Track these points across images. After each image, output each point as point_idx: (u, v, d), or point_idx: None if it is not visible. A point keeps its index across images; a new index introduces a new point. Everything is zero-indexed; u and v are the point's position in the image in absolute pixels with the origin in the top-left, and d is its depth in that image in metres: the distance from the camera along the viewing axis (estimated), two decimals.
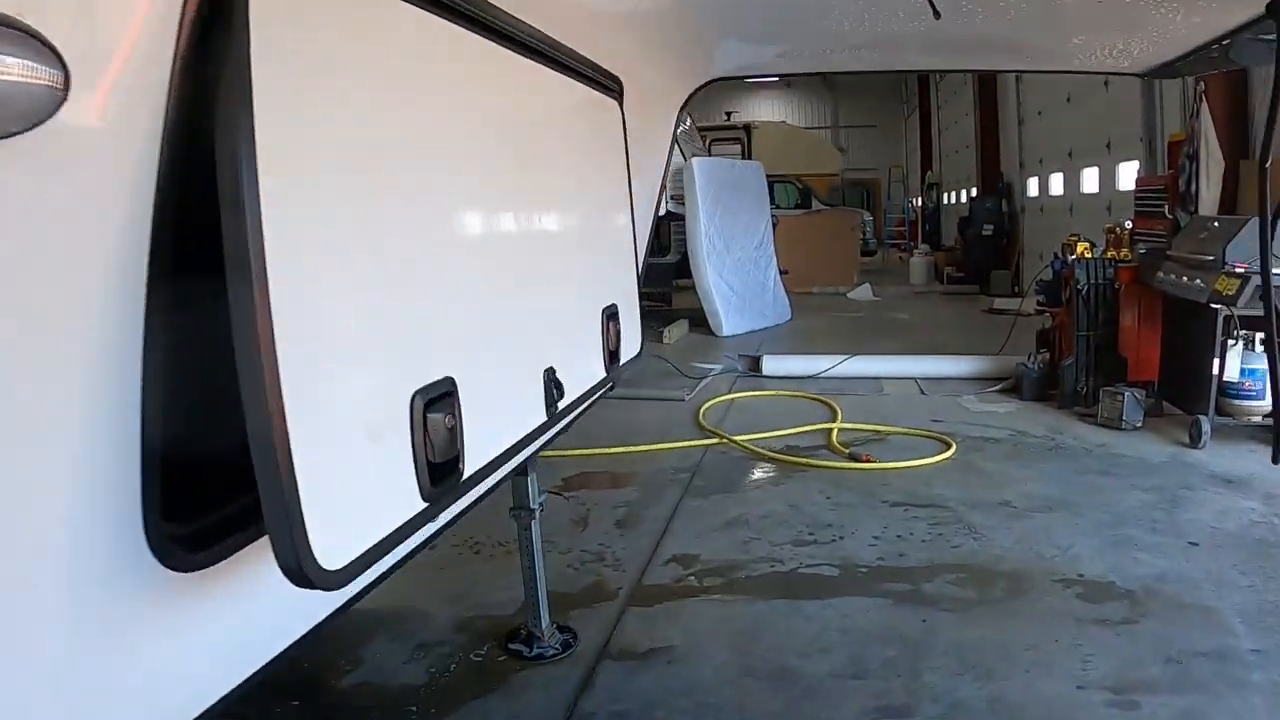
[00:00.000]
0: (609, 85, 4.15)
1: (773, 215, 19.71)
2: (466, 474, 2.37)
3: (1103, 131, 16.97)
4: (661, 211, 17.96)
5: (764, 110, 44.21)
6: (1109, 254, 10.33)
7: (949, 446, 8.62)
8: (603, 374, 3.93)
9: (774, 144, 30.25)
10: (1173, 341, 9.48)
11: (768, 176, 20.29)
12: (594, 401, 4.02)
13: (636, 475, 8.37)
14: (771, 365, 12.76)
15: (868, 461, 8.26)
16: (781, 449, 8.99)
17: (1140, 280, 9.81)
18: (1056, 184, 20.47)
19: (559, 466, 8.49)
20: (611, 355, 4.01)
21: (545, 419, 3.09)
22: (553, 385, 3.08)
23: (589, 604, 5.76)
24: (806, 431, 9.58)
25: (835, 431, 9.40)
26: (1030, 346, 11.31)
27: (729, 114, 34.52)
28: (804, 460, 8.49)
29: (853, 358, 12.48)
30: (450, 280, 2.45)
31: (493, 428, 2.64)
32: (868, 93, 47.03)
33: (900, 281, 25.93)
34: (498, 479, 3.10)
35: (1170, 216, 11.63)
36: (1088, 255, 10.23)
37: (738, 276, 17.58)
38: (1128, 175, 15.88)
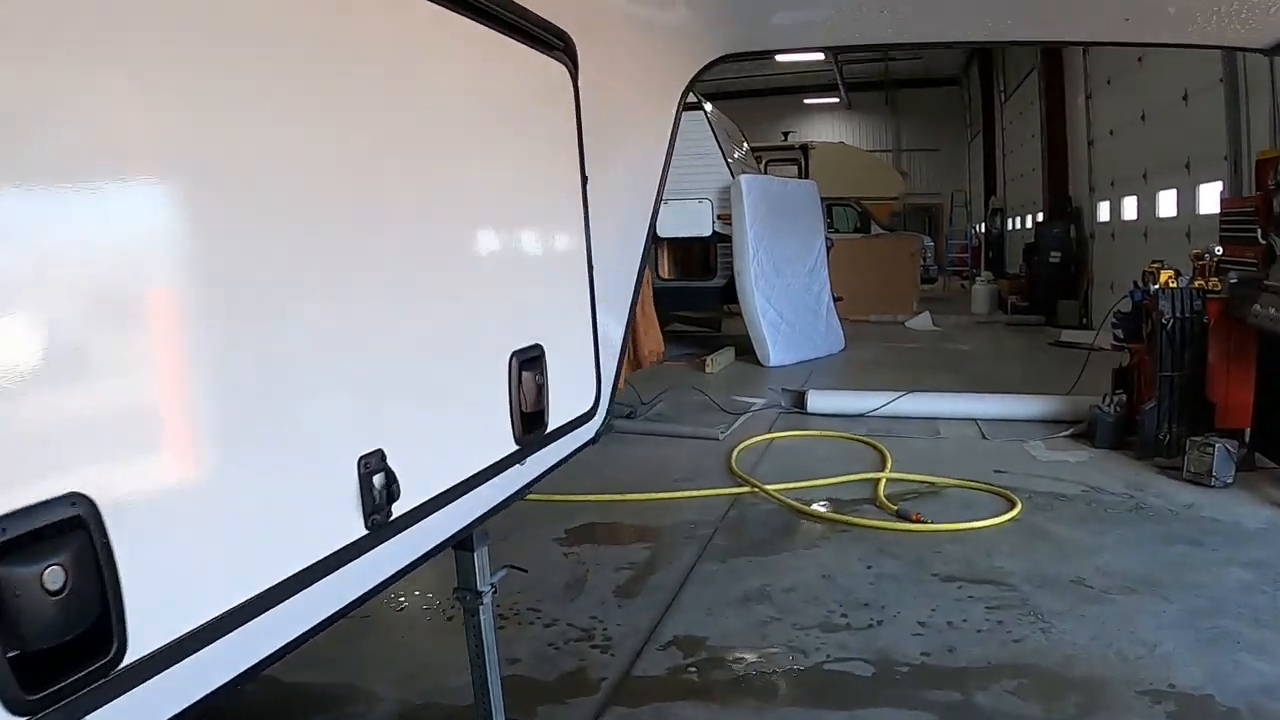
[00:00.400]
0: (551, 41, 3.08)
1: (828, 238, 18.69)
2: (130, 659, 1.37)
3: (1181, 150, 15.76)
4: (708, 231, 17.46)
5: (823, 131, 43.15)
6: (1196, 283, 9.14)
7: (1013, 504, 7.47)
8: (511, 447, 2.85)
9: (833, 166, 29.36)
10: (1269, 384, 8.30)
11: (825, 199, 19.37)
12: (510, 494, 3.00)
13: (650, 529, 7.38)
14: (817, 402, 11.67)
15: (918, 521, 7.15)
16: (820, 502, 7.90)
17: (1231, 314, 8.64)
18: (1130, 208, 19.21)
19: (563, 514, 7.61)
20: (529, 419, 2.92)
21: (365, 532, 2.06)
22: (377, 480, 2.05)
23: (562, 698, 4.78)
24: (850, 481, 8.47)
25: (883, 482, 8.28)
26: (1104, 386, 10.08)
27: (786, 134, 33.60)
28: (844, 518, 7.39)
29: (907, 395, 11.34)
30: (113, 321, 1.43)
31: (205, 573, 1.64)
32: (930, 114, 45.90)
33: (962, 310, 24.73)
34: (254, 657, 1.89)
35: (1263, 242, 10.42)
36: (1173, 285, 9.05)
37: (787, 302, 16.54)
38: (1210, 197, 14.66)
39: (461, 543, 3.74)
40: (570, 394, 3.20)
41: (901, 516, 7.31)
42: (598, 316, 3.51)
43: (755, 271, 15.91)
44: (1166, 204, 16.94)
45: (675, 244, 18.18)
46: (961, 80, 44.23)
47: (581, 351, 3.38)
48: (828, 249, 18.21)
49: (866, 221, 28.64)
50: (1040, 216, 25.58)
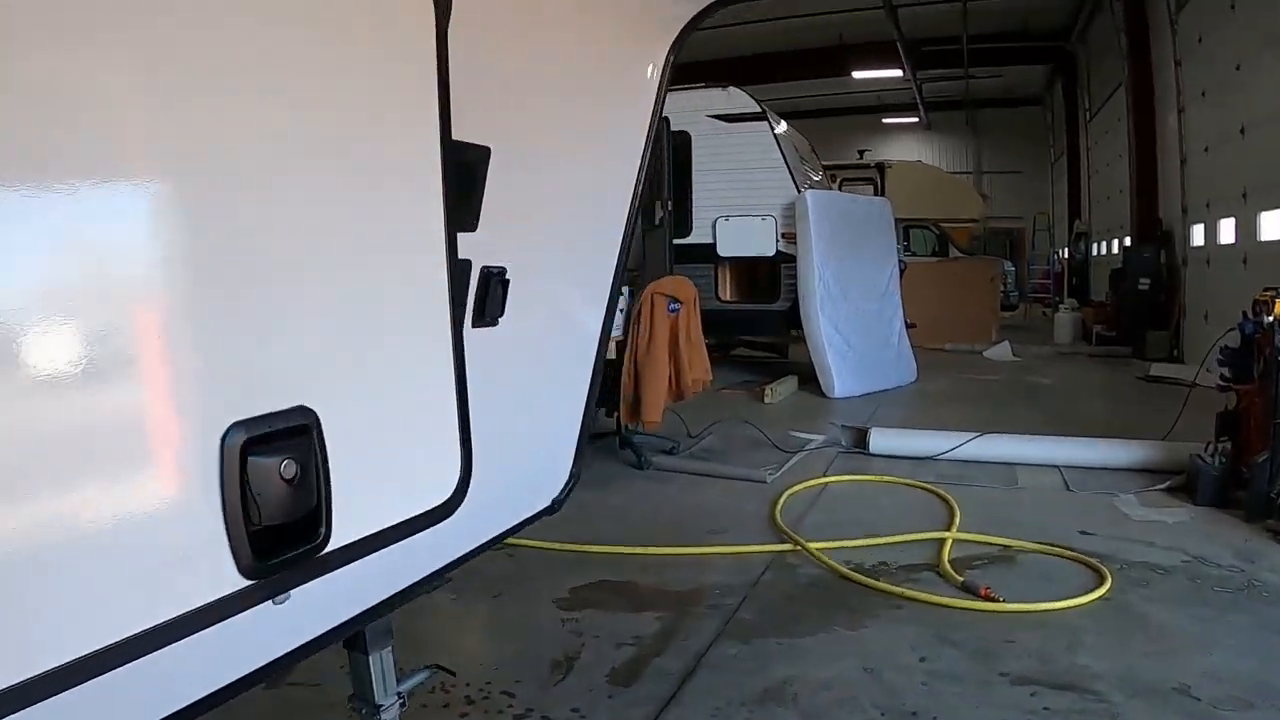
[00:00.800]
0: None
1: (901, 260, 17.53)
2: None
3: None
4: (771, 251, 16.35)
5: (902, 151, 41.90)
6: None
7: (1101, 578, 6.27)
8: (233, 584, 1.70)
9: (910, 186, 28.35)
10: None
11: (902, 221, 18.23)
12: (267, 660, 1.95)
13: (668, 592, 6.34)
14: (881, 441, 10.50)
15: (986, 597, 6.00)
16: (872, 566, 6.78)
17: None
18: (1227, 230, 17.69)
19: (573, 567, 6.66)
20: (271, 536, 1.75)
21: None
22: None
23: None
24: (910, 541, 7.31)
25: (949, 544, 7.11)
26: (1206, 431, 8.74)
27: (861, 153, 32.57)
28: (898, 590, 6.22)
29: (982, 436, 10.13)
30: None
31: None
32: (1012, 135, 44.53)
33: (1043, 340, 23.33)
34: None
35: None
36: None
37: (855, 329, 15.39)
38: None
39: (352, 640, 2.77)
40: (394, 480, 2.13)
41: (968, 589, 6.16)
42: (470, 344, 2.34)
43: (821, 294, 14.81)
44: (1269, 226, 15.47)
45: (737, 264, 17.19)
46: (1044, 99, 42.80)
47: (427, 411, 2.24)
48: (900, 271, 17.06)
49: (945, 244, 27.59)
50: (1128, 240, 24.15)
